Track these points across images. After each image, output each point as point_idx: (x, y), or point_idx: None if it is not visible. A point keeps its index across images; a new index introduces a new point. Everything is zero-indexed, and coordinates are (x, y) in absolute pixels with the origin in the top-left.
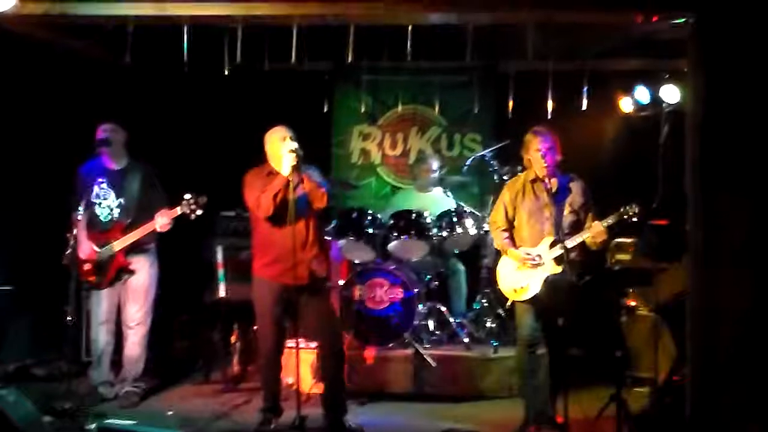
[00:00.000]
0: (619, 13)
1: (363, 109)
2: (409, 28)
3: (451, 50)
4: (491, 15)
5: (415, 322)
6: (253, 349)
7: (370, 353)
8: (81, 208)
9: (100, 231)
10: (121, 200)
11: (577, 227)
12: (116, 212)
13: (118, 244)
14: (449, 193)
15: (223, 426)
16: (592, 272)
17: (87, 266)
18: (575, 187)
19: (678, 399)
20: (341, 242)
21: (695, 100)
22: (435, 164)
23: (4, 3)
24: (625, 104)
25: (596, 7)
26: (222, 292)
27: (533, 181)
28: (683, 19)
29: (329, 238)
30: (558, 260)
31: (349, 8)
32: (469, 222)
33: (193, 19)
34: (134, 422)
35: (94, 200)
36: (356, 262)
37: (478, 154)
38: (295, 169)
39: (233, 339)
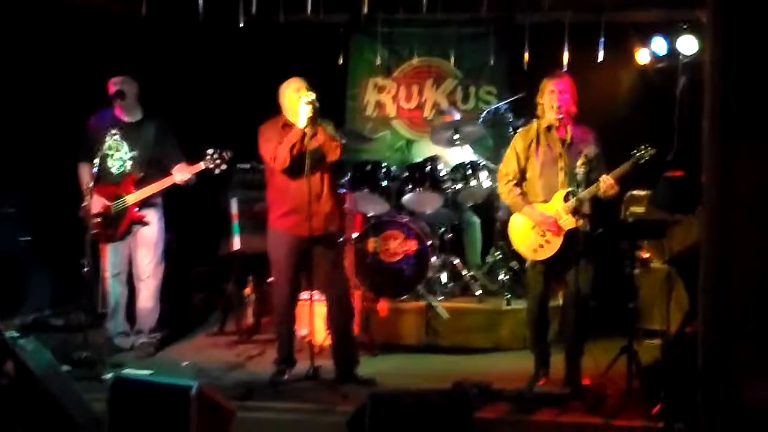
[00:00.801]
0: None
1: (378, 62)
2: None
3: (466, 1)
4: None
5: (429, 275)
6: (267, 301)
7: (383, 305)
8: (96, 161)
9: (112, 183)
10: (134, 153)
11: (590, 179)
12: (128, 165)
13: (132, 198)
14: (465, 147)
15: (237, 376)
16: (606, 224)
17: (98, 219)
18: (589, 137)
19: (690, 351)
20: (355, 194)
21: (714, 49)
22: (456, 116)
23: None
24: (642, 56)
25: None
26: (237, 244)
27: (547, 130)
28: None
29: (344, 191)
30: (574, 213)
31: None
32: (483, 174)
33: None
34: (150, 372)
35: (107, 152)
36: (370, 214)
37: (494, 107)
38: (312, 120)
39: (248, 291)
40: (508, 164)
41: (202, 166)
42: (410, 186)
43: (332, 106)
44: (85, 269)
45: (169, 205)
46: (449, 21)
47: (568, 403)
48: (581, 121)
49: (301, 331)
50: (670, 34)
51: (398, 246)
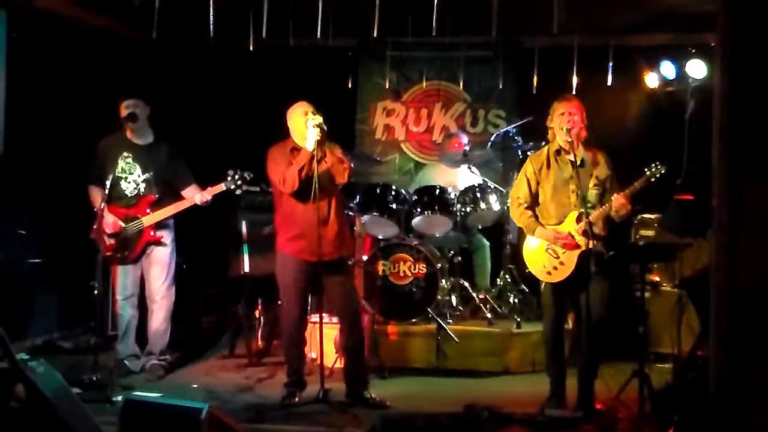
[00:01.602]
0: None
1: (387, 85)
2: (434, 2)
3: (475, 25)
4: None
5: (438, 298)
6: (277, 324)
7: (393, 328)
8: (107, 183)
9: (126, 206)
10: (147, 175)
11: (603, 200)
12: (142, 187)
13: (148, 220)
14: (474, 169)
15: (247, 399)
16: (617, 247)
17: (111, 241)
18: (600, 159)
19: (701, 374)
20: (365, 217)
21: (723, 74)
22: (465, 139)
23: None
24: (651, 80)
25: None
26: (246, 267)
27: (557, 153)
28: None
29: (352, 214)
30: (587, 234)
31: None
32: (492, 198)
33: None
34: (160, 395)
35: (120, 175)
36: (380, 237)
37: (503, 130)
38: (320, 143)
39: (257, 313)
40: (520, 188)
41: (223, 187)
42: (419, 209)
43: (341, 130)
44: (95, 291)
45: (178, 227)
46: (458, 45)
47: (580, 426)
48: (591, 144)
49: (311, 353)
50: (679, 58)
51: (408, 269)
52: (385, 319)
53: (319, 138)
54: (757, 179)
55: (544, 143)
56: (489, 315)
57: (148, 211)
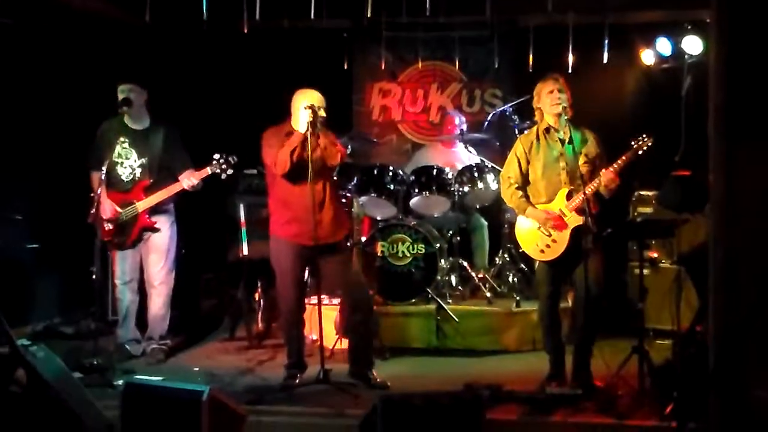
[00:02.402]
0: None
1: (383, 66)
2: None
3: (470, 5)
4: None
5: (437, 278)
6: (276, 306)
7: (392, 309)
8: (103, 168)
9: (122, 191)
10: (143, 160)
11: (592, 177)
12: (138, 172)
13: (142, 205)
14: (471, 149)
15: (248, 381)
16: (614, 224)
17: (109, 226)
18: (588, 136)
19: (701, 350)
20: (363, 198)
21: (718, 49)
22: (459, 119)
23: None
24: (647, 57)
25: None
26: (245, 250)
27: (546, 132)
28: None
29: (349, 195)
30: (579, 211)
31: None
32: (490, 177)
33: None
34: (161, 378)
35: (116, 160)
36: (378, 218)
37: (499, 110)
38: (312, 125)
39: (257, 296)
40: (510, 168)
41: (208, 171)
42: (417, 189)
43: (338, 111)
44: (94, 276)
45: (177, 212)
46: (453, 24)
47: (580, 403)
48: (587, 121)
49: (311, 335)
50: (675, 34)
51: (406, 249)
52: (385, 300)
53: (311, 120)
54: (752, 154)
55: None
56: (488, 294)
57: (142, 196)
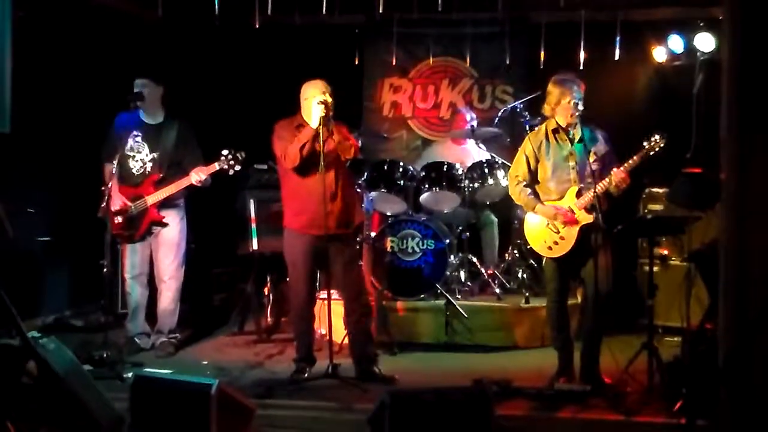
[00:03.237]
0: None
1: (394, 62)
2: None
3: (482, 1)
4: None
5: (447, 273)
6: (285, 301)
7: (402, 304)
8: (115, 161)
9: (132, 184)
10: (155, 154)
11: (602, 175)
12: (149, 166)
13: (152, 198)
14: (482, 145)
15: (257, 375)
16: (625, 221)
17: (118, 219)
18: (598, 135)
19: (711, 347)
20: (373, 194)
21: (731, 47)
22: (470, 115)
23: None
24: (659, 54)
25: None
26: (255, 245)
27: (555, 132)
28: None
29: (360, 190)
30: (589, 209)
31: None
32: (500, 173)
33: None
34: (170, 372)
35: (128, 153)
36: (388, 213)
37: (510, 106)
38: (324, 120)
39: (266, 291)
40: (518, 167)
41: (216, 167)
42: (427, 185)
43: (348, 107)
44: (105, 270)
45: (188, 207)
46: (464, 21)
47: (588, 400)
48: (598, 119)
49: (320, 329)
50: (687, 31)
51: (416, 245)
52: (394, 296)
53: (323, 115)
54: (765, 151)
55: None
56: (497, 290)
57: (152, 190)
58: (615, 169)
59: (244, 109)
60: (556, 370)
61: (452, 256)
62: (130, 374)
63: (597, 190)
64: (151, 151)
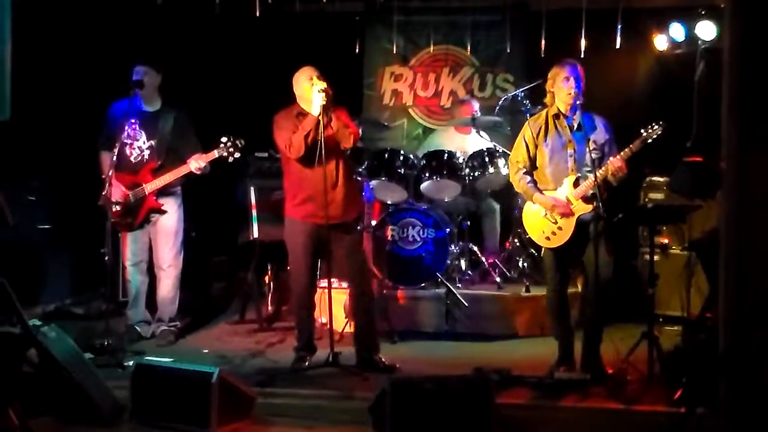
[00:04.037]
0: None
1: (394, 50)
2: None
3: None
4: None
5: (448, 262)
6: (286, 289)
7: (402, 293)
8: (115, 150)
9: (130, 172)
10: (152, 142)
11: (601, 164)
12: (146, 153)
13: (150, 186)
14: (483, 134)
15: (258, 363)
16: (625, 210)
17: (117, 208)
18: (598, 123)
19: (711, 336)
20: (373, 182)
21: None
22: (476, 105)
23: None
24: (660, 42)
25: None
26: (255, 233)
27: (555, 117)
28: None
29: (360, 179)
30: (586, 199)
31: None
32: (501, 162)
33: None
34: (171, 360)
35: (126, 141)
36: (389, 202)
37: (511, 94)
38: (325, 108)
39: (267, 279)
40: (518, 152)
41: (215, 154)
42: (428, 174)
43: (349, 95)
44: (106, 258)
45: (188, 195)
46: (465, 9)
47: (589, 388)
48: (599, 107)
49: (321, 318)
50: (688, 19)
51: (417, 233)
52: (395, 284)
53: (324, 103)
54: (765, 140)
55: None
56: (498, 279)
57: (150, 177)
58: (612, 158)
59: (245, 97)
60: (556, 359)
61: (453, 245)
62: (130, 362)
63: (593, 178)
64: (149, 138)
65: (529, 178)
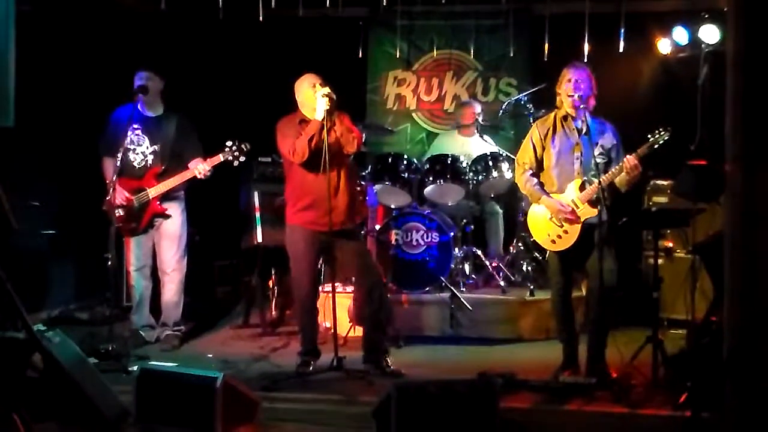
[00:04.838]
0: None
1: (398, 55)
2: None
3: None
4: None
5: (451, 266)
6: (290, 294)
7: (406, 297)
8: (119, 155)
9: (134, 177)
10: (155, 147)
11: (607, 169)
12: (150, 159)
13: (154, 191)
14: (486, 138)
15: (262, 368)
16: (629, 213)
17: (120, 212)
18: (606, 128)
19: (716, 340)
20: (377, 187)
21: (735, 38)
22: (478, 108)
23: None
24: (663, 46)
25: None
26: (259, 238)
27: (563, 120)
28: None
29: (364, 183)
30: (592, 203)
31: None
32: (504, 166)
33: None
34: (175, 364)
35: (129, 146)
36: (392, 206)
37: (514, 99)
38: (329, 113)
39: (271, 284)
40: (525, 153)
41: (221, 158)
42: (432, 178)
43: (352, 100)
44: (109, 263)
45: (192, 200)
46: (468, 13)
47: (593, 392)
48: (603, 111)
49: (325, 323)
50: (692, 23)
51: (421, 237)
52: (399, 288)
53: (328, 107)
54: None
55: (554, 110)
56: (502, 283)
57: (154, 182)
58: (627, 156)
59: (249, 102)
60: (561, 363)
61: (457, 249)
62: (135, 367)
63: (602, 182)
64: (152, 143)
65: (535, 180)
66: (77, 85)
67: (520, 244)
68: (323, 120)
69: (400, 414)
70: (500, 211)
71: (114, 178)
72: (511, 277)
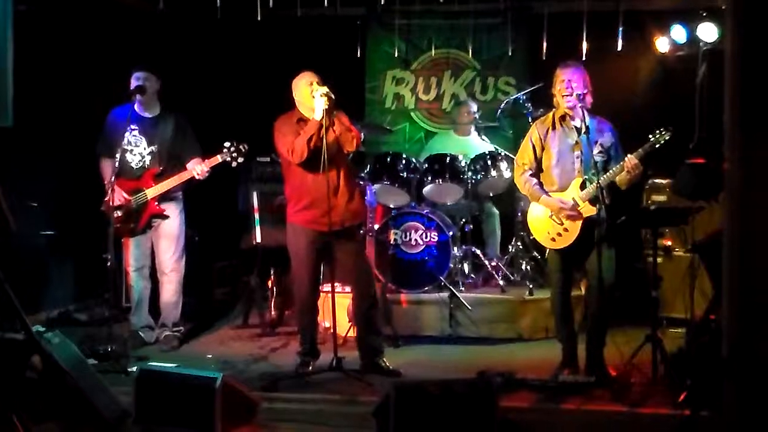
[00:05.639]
0: None
1: (396, 54)
2: None
3: None
4: None
5: (450, 266)
6: (289, 294)
7: (405, 297)
8: (117, 156)
9: (132, 178)
10: (153, 148)
11: (606, 167)
12: (147, 159)
13: (152, 192)
14: (485, 137)
15: (261, 368)
16: (628, 212)
17: (119, 213)
18: (603, 126)
19: (715, 338)
20: (376, 186)
21: (734, 36)
22: (474, 107)
23: None
24: (662, 44)
25: None
26: (258, 238)
27: (562, 119)
28: None
29: (363, 183)
30: (592, 201)
31: None
32: (503, 165)
33: None
34: (175, 365)
35: (126, 147)
36: (391, 206)
37: (513, 98)
38: (327, 112)
39: (270, 284)
40: (524, 154)
41: (219, 159)
42: (430, 177)
43: (351, 99)
44: (108, 264)
45: (190, 200)
46: (466, 12)
47: (592, 391)
48: (601, 110)
49: (324, 322)
50: (690, 21)
51: (419, 237)
52: (398, 288)
53: (326, 107)
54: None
55: (551, 110)
56: (501, 282)
57: (152, 183)
58: (628, 156)
59: (247, 102)
60: (560, 362)
61: (456, 248)
62: (134, 368)
63: (602, 181)
64: (149, 144)
65: (534, 180)
66: (76, 85)
67: (518, 243)
68: (322, 119)
69: (399, 414)
70: (496, 211)
71: (112, 178)
72: (510, 277)
